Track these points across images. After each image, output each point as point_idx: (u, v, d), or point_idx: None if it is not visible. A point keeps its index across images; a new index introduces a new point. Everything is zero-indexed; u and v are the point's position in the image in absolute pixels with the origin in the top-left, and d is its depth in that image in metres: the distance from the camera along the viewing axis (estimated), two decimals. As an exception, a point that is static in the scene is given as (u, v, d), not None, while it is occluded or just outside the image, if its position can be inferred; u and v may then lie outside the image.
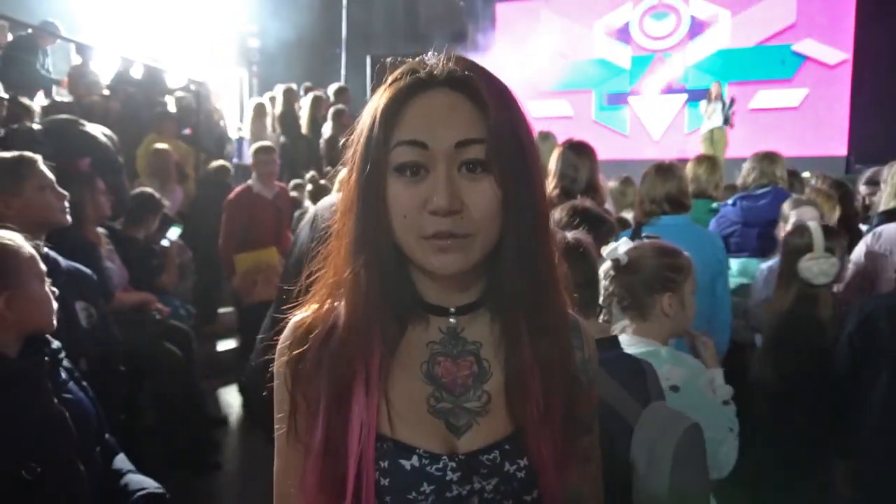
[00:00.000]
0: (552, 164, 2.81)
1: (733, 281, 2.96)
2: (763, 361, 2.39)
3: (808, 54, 9.54)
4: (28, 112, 4.03)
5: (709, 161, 3.52)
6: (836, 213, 3.52)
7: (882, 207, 2.80)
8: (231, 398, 4.36)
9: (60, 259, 2.12)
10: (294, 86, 7.33)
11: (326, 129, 6.47)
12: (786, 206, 2.89)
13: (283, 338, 0.83)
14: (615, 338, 1.50)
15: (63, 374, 1.57)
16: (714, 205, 3.47)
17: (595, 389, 0.89)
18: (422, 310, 0.80)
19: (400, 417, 0.77)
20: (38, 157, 2.14)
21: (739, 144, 8.43)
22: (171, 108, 6.17)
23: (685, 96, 10.14)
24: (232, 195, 4.42)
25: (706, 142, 8.32)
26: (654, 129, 10.39)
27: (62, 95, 5.91)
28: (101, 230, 3.21)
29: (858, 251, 2.51)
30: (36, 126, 3.47)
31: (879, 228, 2.65)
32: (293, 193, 5.11)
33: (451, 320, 0.80)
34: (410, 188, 0.73)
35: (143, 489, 1.57)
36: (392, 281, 0.77)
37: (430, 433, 0.77)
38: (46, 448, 1.41)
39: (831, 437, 2.19)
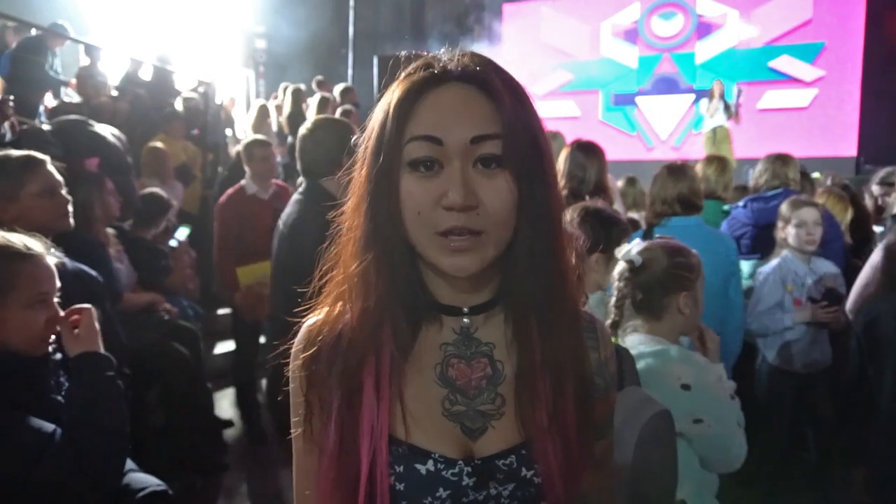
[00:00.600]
0: (560, 164, 2.80)
1: (745, 283, 2.94)
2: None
3: (785, 71, 9.45)
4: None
5: (718, 161, 3.50)
6: (849, 215, 3.50)
7: None
8: (234, 400, 4.36)
9: (67, 261, 2.10)
10: (302, 86, 7.34)
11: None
12: (784, 207, 2.86)
13: (297, 341, 0.82)
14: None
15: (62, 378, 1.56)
16: (726, 207, 3.44)
17: (613, 394, 0.87)
18: (435, 310, 0.79)
19: (415, 421, 0.76)
20: (47, 159, 2.09)
21: (748, 145, 8.39)
22: (179, 108, 6.18)
23: (692, 96, 10.10)
24: (222, 199, 3.87)
25: (708, 141, 8.24)
26: (661, 129, 10.35)
27: (70, 96, 5.93)
28: (109, 230, 3.21)
29: (876, 255, 2.47)
30: (45, 126, 3.48)
31: None
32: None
33: (465, 320, 0.79)
34: (424, 183, 0.71)
35: (146, 488, 1.56)
36: (403, 279, 0.75)
37: (446, 437, 0.76)
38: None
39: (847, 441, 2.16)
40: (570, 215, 1.98)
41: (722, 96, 8.24)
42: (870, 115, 9.09)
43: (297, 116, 6.94)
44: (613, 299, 1.70)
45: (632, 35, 10.47)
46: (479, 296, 0.79)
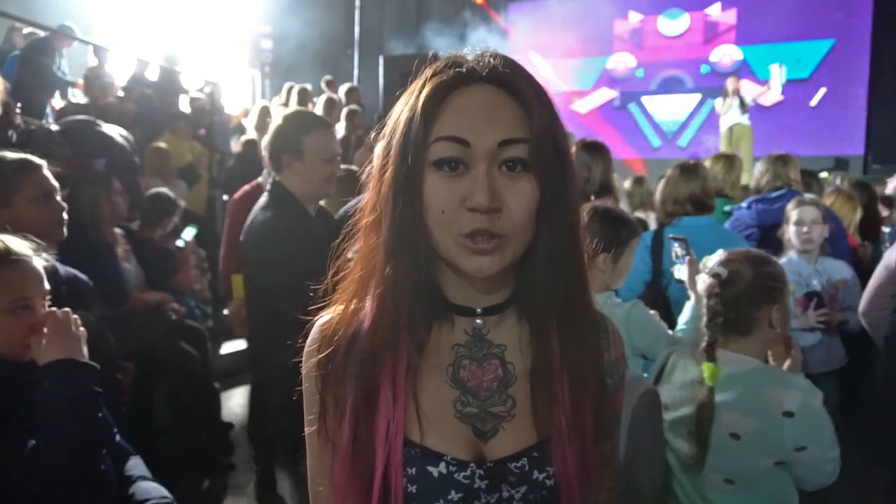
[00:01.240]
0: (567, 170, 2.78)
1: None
2: None
3: (792, 70, 9.33)
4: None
5: (726, 159, 3.49)
6: (858, 215, 3.48)
7: None
8: (242, 400, 4.37)
9: (59, 267, 2.04)
10: (308, 86, 7.35)
11: (339, 130, 6.48)
12: (788, 207, 2.85)
13: (311, 340, 0.82)
14: None
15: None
16: (727, 207, 3.42)
17: (620, 394, 0.87)
18: (448, 311, 0.78)
19: (428, 422, 0.75)
20: (43, 163, 1.99)
21: (755, 144, 8.32)
22: (185, 109, 6.21)
23: (699, 96, 10.07)
24: (238, 194, 3.51)
25: (725, 139, 8.05)
26: (667, 128, 10.32)
27: (77, 97, 5.96)
28: (117, 230, 3.23)
29: (891, 255, 2.44)
30: (53, 127, 3.50)
31: None
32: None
33: (478, 321, 0.78)
34: (449, 183, 0.71)
35: (148, 499, 1.50)
36: (424, 279, 0.75)
37: (458, 439, 0.76)
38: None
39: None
40: (577, 215, 1.98)
41: (736, 93, 8.02)
42: (877, 114, 9.04)
43: (302, 117, 6.94)
44: (705, 319, 1.55)
45: (638, 34, 10.44)
46: (493, 297, 0.78)
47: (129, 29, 8.54)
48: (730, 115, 8.03)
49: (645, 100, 10.44)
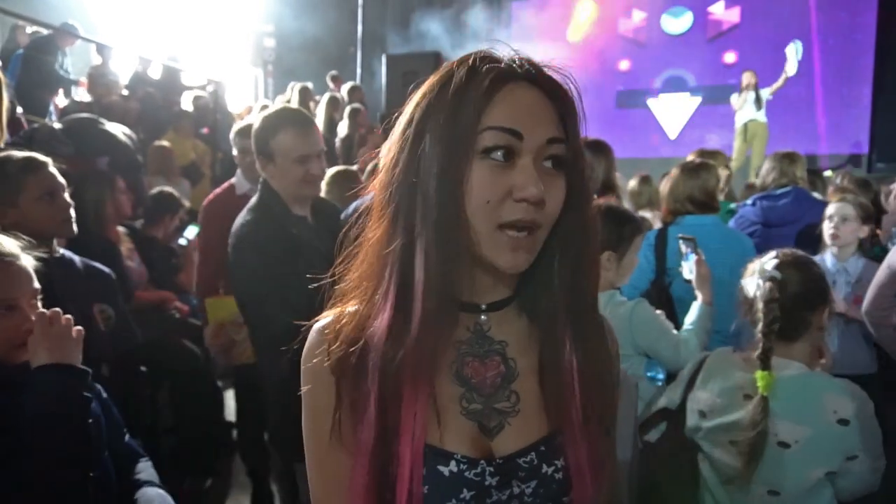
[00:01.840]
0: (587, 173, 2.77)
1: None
2: None
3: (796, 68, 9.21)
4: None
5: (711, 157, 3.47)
6: (862, 213, 3.46)
7: None
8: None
9: (77, 260, 2.07)
10: (309, 84, 7.35)
11: (342, 129, 6.48)
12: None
13: (314, 343, 0.80)
14: None
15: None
16: (732, 205, 3.42)
17: (618, 391, 0.88)
18: (455, 307, 0.77)
19: (436, 420, 0.75)
20: (49, 161, 2.00)
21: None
22: (188, 107, 6.21)
23: (702, 94, 10.03)
24: (209, 199, 3.04)
25: (740, 136, 7.88)
26: (670, 128, 10.30)
27: (81, 95, 5.97)
28: (121, 229, 3.23)
29: (894, 255, 2.42)
30: (56, 125, 3.50)
31: None
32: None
33: (482, 317, 0.79)
34: (498, 173, 0.72)
35: None
36: (454, 272, 0.74)
37: (465, 437, 0.76)
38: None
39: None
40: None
41: (752, 87, 7.82)
42: (882, 112, 9.00)
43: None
44: (760, 325, 1.48)
45: (641, 33, 10.42)
46: (496, 293, 0.79)
47: (133, 27, 8.55)
48: (745, 110, 7.84)
49: (649, 98, 10.42)
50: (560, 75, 0.77)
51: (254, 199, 2.09)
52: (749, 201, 3.32)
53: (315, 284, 0.84)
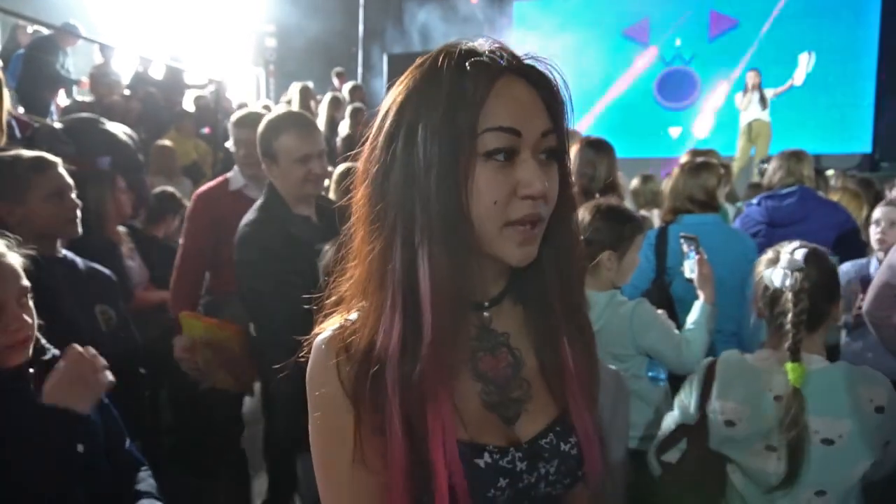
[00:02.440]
0: (570, 161, 2.76)
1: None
2: None
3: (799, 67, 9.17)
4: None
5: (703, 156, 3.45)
6: (865, 212, 3.46)
7: None
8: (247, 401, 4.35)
9: (79, 261, 2.08)
10: (310, 84, 7.34)
11: (343, 128, 6.47)
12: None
13: (322, 358, 0.77)
14: None
15: None
16: (738, 204, 3.40)
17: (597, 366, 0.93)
18: (466, 310, 0.81)
19: (463, 417, 0.77)
20: (58, 161, 2.02)
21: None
22: (190, 107, 6.22)
23: (704, 94, 10.02)
24: (198, 192, 2.78)
25: (743, 136, 7.89)
26: (672, 127, 10.28)
27: (83, 95, 5.98)
28: (122, 229, 3.23)
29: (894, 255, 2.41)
30: (57, 125, 3.50)
31: None
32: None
33: (486, 314, 0.81)
34: (501, 173, 0.73)
35: None
36: (465, 275, 0.74)
37: (492, 428, 0.78)
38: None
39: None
40: (582, 212, 1.96)
41: (757, 87, 7.86)
42: (885, 111, 8.97)
43: (306, 115, 6.93)
44: (790, 317, 1.45)
45: (643, 33, 10.40)
46: (495, 288, 0.82)
47: (134, 27, 8.55)
48: (749, 110, 7.86)
49: (651, 98, 10.40)
50: (543, 64, 0.78)
51: (260, 200, 2.16)
52: (754, 201, 3.30)
53: (305, 286, 0.88)
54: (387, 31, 11.11)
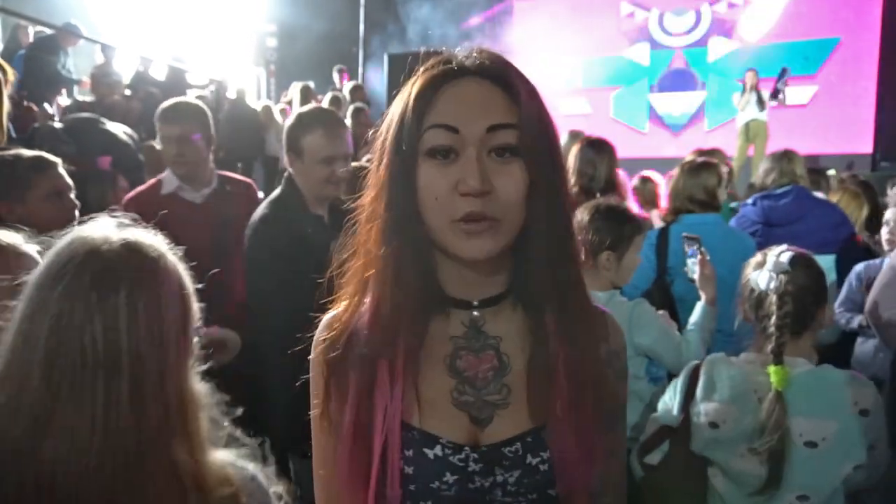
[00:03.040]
0: (571, 161, 2.78)
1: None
2: None
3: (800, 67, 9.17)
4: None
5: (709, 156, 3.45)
6: (865, 212, 3.45)
7: None
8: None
9: None
10: (311, 83, 7.35)
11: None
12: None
13: (319, 332, 0.86)
14: None
15: None
16: (733, 204, 3.40)
17: (623, 385, 0.89)
18: (446, 304, 0.82)
19: (426, 408, 0.79)
20: (58, 161, 2.03)
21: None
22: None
23: (705, 93, 10.01)
24: (128, 197, 2.53)
25: (741, 136, 7.91)
26: (673, 127, 10.27)
27: (84, 95, 5.99)
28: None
29: None
30: (57, 124, 3.51)
31: None
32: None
33: (475, 313, 0.81)
34: (442, 171, 0.74)
35: None
36: (420, 270, 0.78)
37: (454, 424, 0.79)
38: None
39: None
40: (581, 213, 1.96)
41: (755, 88, 7.84)
42: (886, 111, 8.96)
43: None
44: (774, 319, 1.46)
45: (644, 32, 10.40)
46: (489, 289, 0.81)
47: (134, 27, 8.56)
48: (747, 111, 7.88)
49: (651, 97, 10.39)
50: (511, 64, 0.78)
51: (275, 193, 2.15)
52: (749, 201, 3.30)
53: (321, 279, 0.89)
54: (387, 31, 11.12)
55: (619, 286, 2.00)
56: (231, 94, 7.30)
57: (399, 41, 10.74)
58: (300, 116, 2.13)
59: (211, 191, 2.47)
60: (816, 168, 3.91)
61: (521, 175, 0.75)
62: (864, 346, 2.70)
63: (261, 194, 2.87)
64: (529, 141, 0.75)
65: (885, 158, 8.77)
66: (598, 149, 2.76)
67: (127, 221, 0.92)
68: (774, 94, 7.84)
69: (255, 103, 7.86)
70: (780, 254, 1.51)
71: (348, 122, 6.43)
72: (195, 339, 0.91)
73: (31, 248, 1.41)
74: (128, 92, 5.92)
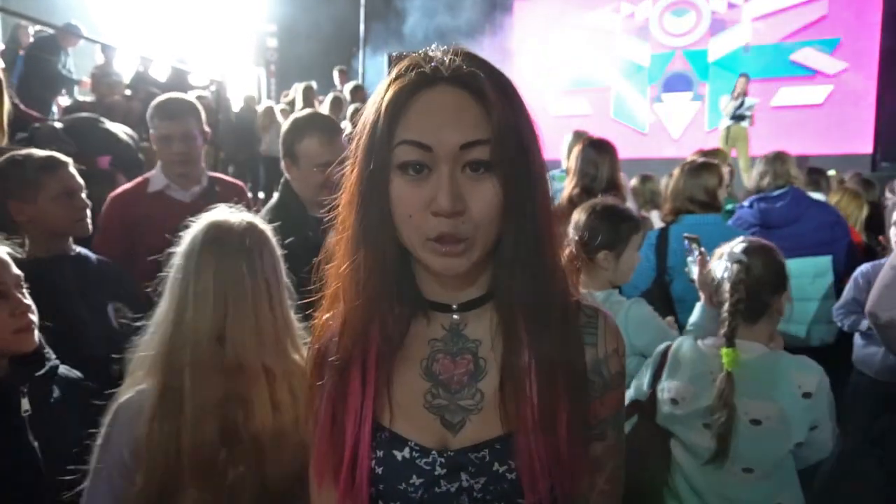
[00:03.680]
0: (572, 161, 2.78)
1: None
2: None
3: (809, 64, 9.28)
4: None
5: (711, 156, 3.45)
6: (864, 213, 3.46)
7: None
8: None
9: (92, 257, 2.09)
10: (313, 84, 7.35)
11: (345, 128, 6.49)
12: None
13: (313, 339, 0.89)
14: None
15: (57, 392, 1.44)
16: (730, 206, 3.40)
17: (615, 393, 0.84)
18: (424, 306, 0.82)
19: (398, 410, 0.79)
20: (68, 161, 2.03)
21: (762, 143, 8.25)
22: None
23: (705, 94, 10.01)
24: (112, 195, 2.48)
25: (722, 139, 8.01)
26: (673, 127, 10.28)
27: (84, 95, 5.99)
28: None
29: None
30: (58, 124, 3.51)
31: None
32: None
33: (455, 317, 0.81)
34: (414, 187, 0.73)
35: None
36: (393, 276, 0.78)
37: (425, 428, 0.79)
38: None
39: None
40: (578, 212, 1.97)
41: (743, 94, 7.94)
42: (886, 111, 8.96)
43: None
44: (726, 305, 1.55)
45: (644, 32, 10.40)
46: (469, 292, 0.80)
47: (135, 27, 8.57)
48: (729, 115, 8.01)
49: (651, 97, 10.39)
50: (488, 68, 0.75)
51: (273, 200, 2.17)
52: (745, 203, 3.29)
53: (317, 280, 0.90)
54: (387, 31, 11.12)
55: (618, 285, 2.00)
56: (237, 100, 7.33)
57: (399, 41, 10.75)
58: (295, 122, 2.12)
59: (201, 189, 2.45)
60: (817, 168, 3.90)
61: (494, 191, 0.72)
62: (867, 349, 2.69)
63: (262, 195, 2.88)
64: (502, 157, 0.72)
65: (885, 158, 8.77)
66: (599, 149, 2.76)
67: (238, 209, 1.36)
68: (738, 118, 7.91)
69: (256, 104, 7.88)
70: (737, 244, 1.61)
71: (349, 122, 6.47)
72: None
73: (2, 250, 1.43)
74: (128, 92, 5.92)
